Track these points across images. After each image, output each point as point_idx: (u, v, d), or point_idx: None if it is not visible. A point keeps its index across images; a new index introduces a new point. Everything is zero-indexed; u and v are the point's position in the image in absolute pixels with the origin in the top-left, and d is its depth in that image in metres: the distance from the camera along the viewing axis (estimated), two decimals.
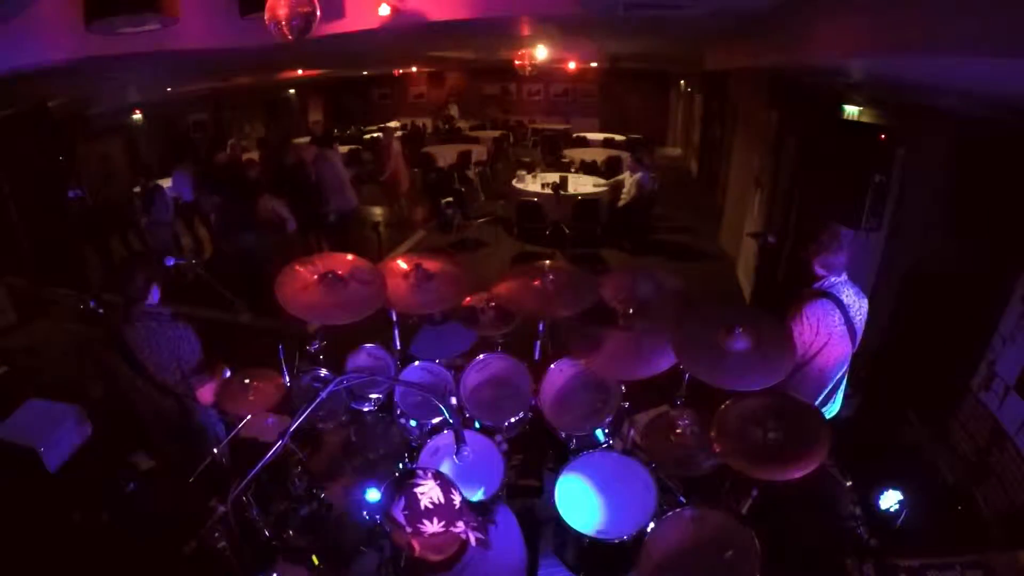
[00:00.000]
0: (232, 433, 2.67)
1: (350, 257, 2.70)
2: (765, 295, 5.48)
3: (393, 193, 9.63)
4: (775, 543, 1.85)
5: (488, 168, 12.56)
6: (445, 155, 11.93)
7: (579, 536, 2.06)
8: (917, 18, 1.87)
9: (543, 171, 9.92)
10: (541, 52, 7.74)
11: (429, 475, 1.53)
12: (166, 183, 9.29)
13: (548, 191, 8.15)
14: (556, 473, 2.27)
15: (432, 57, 11.66)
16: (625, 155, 11.12)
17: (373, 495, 2.19)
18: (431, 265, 2.80)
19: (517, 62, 7.84)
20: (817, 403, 2.77)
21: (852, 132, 3.98)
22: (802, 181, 4.80)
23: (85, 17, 2.77)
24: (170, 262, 4.38)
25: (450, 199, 9.01)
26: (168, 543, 2.04)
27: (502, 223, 8.97)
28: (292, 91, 16.12)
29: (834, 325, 2.65)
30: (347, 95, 18.32)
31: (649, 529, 1.99)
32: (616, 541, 2.02)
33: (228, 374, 2.78)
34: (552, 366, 2.70)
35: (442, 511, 1.48)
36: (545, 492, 2.44)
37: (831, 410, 2.91)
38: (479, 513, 1.66)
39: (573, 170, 10.36)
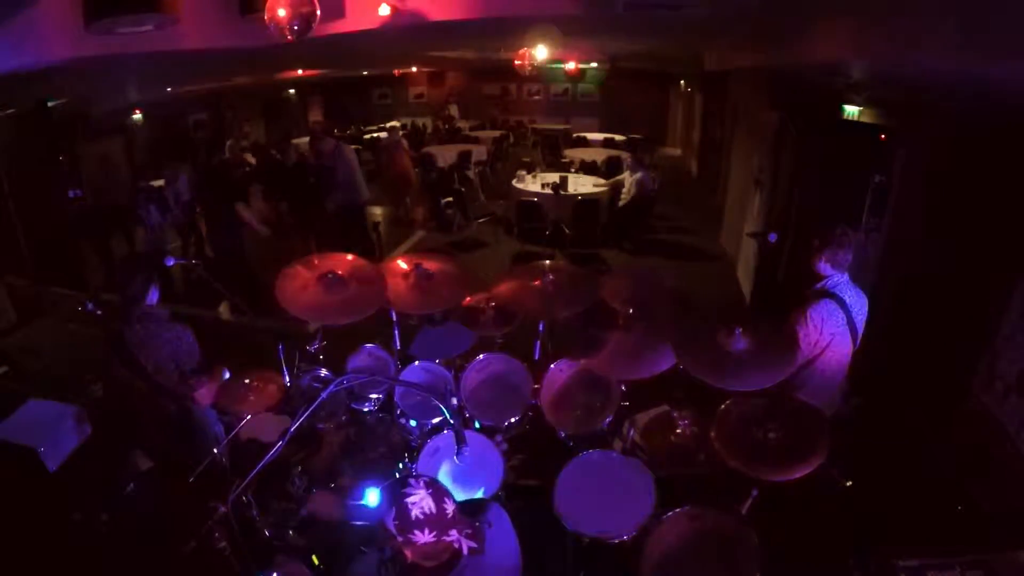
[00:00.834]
0: (232, 433, 2.67)
1: (350, 257, 2.71)
2: (765, 295, 5.48)
3: (400, 192, 9.63)
4: (775, 543, 1.85)
5: (488, 168, 12.56)
6: (445, 155, 11.93)
7: (579, 536, 2.05)
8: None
9: (543, 171, 9.92)
10: (541, 52, 7.74)
11: (421, 484, 1.51)
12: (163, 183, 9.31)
13: (548, 191, 8.15)
14: (556, 473, 2.27)
15: (432, 57, 11.67)
16: (625, 155, 11.13)
17: (372, 498, 2.18)
18: (431, 265, 2.80)
19: (517, 62, 7.83)
20: (820, 403, 2.77)
21: (852, 132, 3.98)
22: (802, 181, 4.80)
23: (85, 17, 2.77)
24: (170, 262, 4.39)
25: (450, 199, 9.01)
26: (168, 543, 2.04)
27: (502, 223, 8.97)
28: (292, 91, 16.12)
29: (837, 326, 2.65)
30: (347, 95, 18.32)
31: (649, 529, 1.99)
32: (616, 541, 2.02)
33: (227, 375, 2.78)
34: (552, 366, 2.70)
35: (433, 521, 1.47)
36: (545, 492, 2.44)
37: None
38: (474, 517, 1.66)
39: (573, 170, 10.35)
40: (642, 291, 2.69)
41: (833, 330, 2.65)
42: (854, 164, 3.55)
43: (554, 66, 13.18)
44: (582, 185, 8.69)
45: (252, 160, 10.73)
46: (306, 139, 10.51)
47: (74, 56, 3.52)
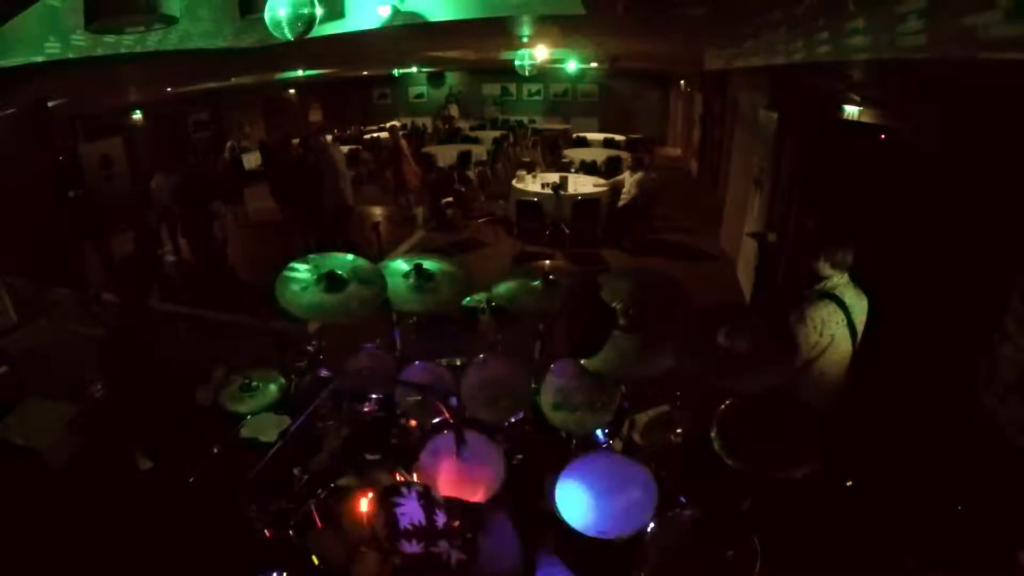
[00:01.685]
0: (232, 433, 2.67)
1: (350, 257, 2.71)
2: (765, 295, 5.48)
3: (401, 191, 9.63)
4: (775, 543, 1.85)
5: (488, 168, 12.57)
6: (445, 155, 11.93)
7: (579, 536, 2.05)
8: None
9: (543, 171, 9.93)
10: (541, 52, 7.75)
11: (413, 494, 1.51)
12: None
13: (548, 191, 8.15)
14: (556, 473, 2.27)
15: (432, 57, 11.67)
16: (625, 155, 11.14)
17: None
18: (431, 265, 2.81)
19: (517, 62, 7.84)
20: (820, 404, 2.77)
21: (852, 132, 3.98)
22: (802, 181, 4.80)
23: (85, 17, 2.77)
24: (171, 260, 4.37)
25: (450, 199, 9.01)
26: (168, 542, 2.04)
27: (502, 223, 8.97)
28: (292, 91, 16.13)
29: (837, 327, 2.65)
30: (347, 95, 18.32)
31: (649, 529, 1.99)
32: (616, 541, 2.02)
33: (228, 375, 2.78)
34: (552, 366, 2.70)
35: (422, 532, 1.46)
36: (545, 492, 2.44)
37: None
38: (472, 522, 1.65)
39: (573, 170, 10.36)
40: (642, 291, 2.69)
41: (832, 332, 2.64)
42: (854, 164, 3.55)
43: (554, 66, 13.19)
44: (582, 185, 8.69)
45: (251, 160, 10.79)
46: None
47: (74, 56, 3.53)
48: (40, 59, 3.48)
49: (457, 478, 2.19)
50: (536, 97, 19.04)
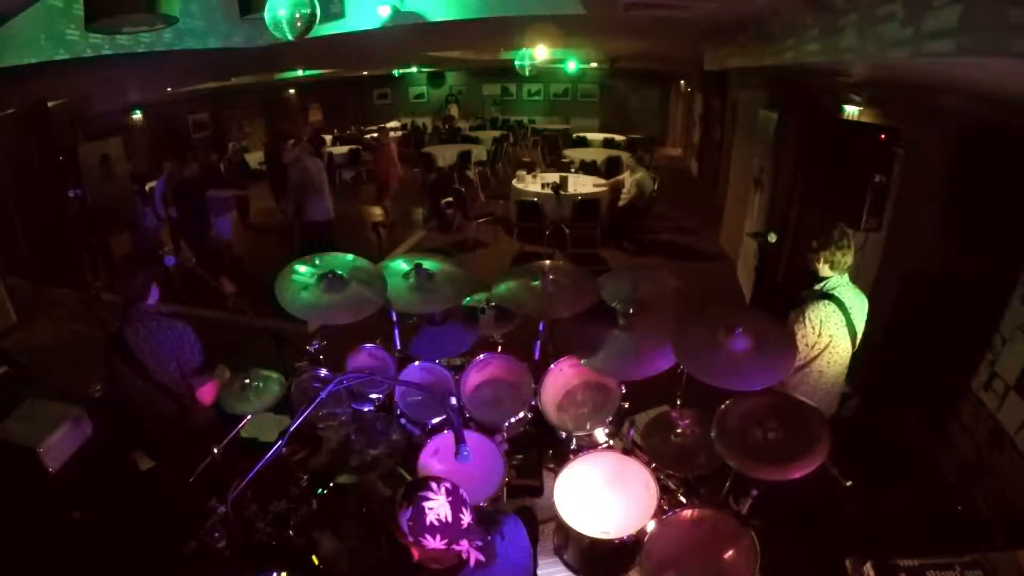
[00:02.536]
0: (232, 433, 2.67)
1: (350, 257, 2.71)
2: (765, 295, 5.48)
3: (382, 192, 9.64)
4: (775, 543, 1.85)
5: (488, 168, 12.57)
6: (445, 155, 11.93)
7: (579, 536, 2.06)
8: None
9: (543, 171, 9.93)
10: (541, 52, 7.75)
11: (442, 490, 1.50)
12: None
13: (548, 191, 8.15)
14: (556, 473, 2.27)
15: (432, 57, 11.67)
16: (625, 155, 11.13)
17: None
18: (431, 265, 2.81)
19: (517, 62, 7.84)
20: (819, 404, 2.77)
21: (852, 132, 3.98)
22: (802, 181, 4.80)
23: (85, 17, 2.76)
24: (170, 262, 4.39)
25: (450, 199, 9.01)
26: (168, 543, 2.04)
27: (502, 223, 8.97)
28: (292, 91, 16.12)
29: (836, 327, 2.65)
30: (347, 95, 18.32)
31: (649, 529, 1.99)
32: (616, 541, 2.02)
33: (228, 375, 2.78)
34: (552, 366, 2.70)
35: (447, 529, 1.47)
36: (545, 492, 2.44)
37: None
38: (489, 525, 1.65)
39: (573, 170, 10.36)
40: (642, 291, 2.69)
41: (832, 332, 2.64)
42: (854, 164, 3.55)
43: (554, 66, 13.19)
44: (582, 185, 8.69)
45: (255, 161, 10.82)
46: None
47: (74, 56, 3.53)
48: (40, 59, 3.48)
49: (457, 478, 2.19)
50: (536, 97, 19.04)
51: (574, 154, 12.18)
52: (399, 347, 3.00)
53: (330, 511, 2.27)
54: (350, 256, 2.74)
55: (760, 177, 6.13)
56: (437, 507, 1.47)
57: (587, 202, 8.03)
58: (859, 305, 2.73)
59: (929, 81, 2.73)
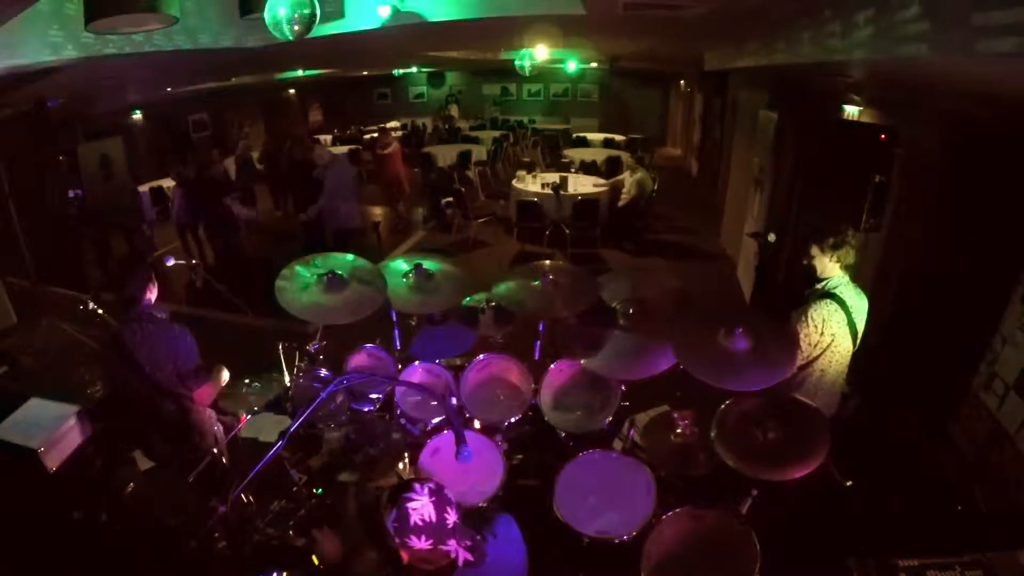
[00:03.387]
0: (232, 433, 2.67)
1: (350, 257, 2.71)
2: (765, 295, 5.48)
3: (393, 195, 9.63)
4: (775, 543, 1.85)
5: (488, 168, 12.56)
6: (445, 155, 11.93)
7: (579, 536, 2.06)
8: None
9: (543, 171, 9.93)
10: (541, 52, 7.74)
11: (425, 491, 1.51)
12: (162, 183, 9.33)
13: (548, 191, 8.15)
14: (556, 473, 2.27)
15: (432, 57, 11.67)
16: (625, 155, 11.13)
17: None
18: (431, 265, 2.81)
19: (517, 62, 7.84)
20: (820, 404, 2.77)
21: (852, 132, 3.98)
22: (802, 181, 4.80)
23: (85, 17, 2.76)
24: (170, 262, 4.38)
25: (450, 199, 9.01)
26: (168, 543, 2.04)
27: (502, 223, 8.97)
28: (292, 91, 16.12)
29: (838, 326, 2.65)
30: (347, 95, 18.32)
31: (649, 529, 1.99)
32: (616, 541, 2.02)
33: (227, 376, 2.78)
34: (552, 366, 2.70)
35: (432, 529, 1.47)
36: (545, 492, 2.44)
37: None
38: (479, 525, 1.65)
39: (573, 170, 10.36)
40: (642, 291, 2.69)
41: (833, 331, 2.65)
42: (854, 164, 3.55)
43: (554, 66, 13.19)
44: (582, 185, 8.69)
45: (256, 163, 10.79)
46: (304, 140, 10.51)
47: (74, 56, 3.53)
48: (40, 59, 3.48)
49: (457, 478, 2.19)
50: (536, 97, 19.03)
51: (574, 154, 12.17)
52: (399, 347, 3.00)
53: (330, 511, 2.27)
54: (350, 256, 2.74)
55: (760, 177, 6.13)
56: (421, 508, 1.47)
57: (587, 202, 8.03)
58: (860, 304, 2.73)
59: (929, 81, 2.72)
